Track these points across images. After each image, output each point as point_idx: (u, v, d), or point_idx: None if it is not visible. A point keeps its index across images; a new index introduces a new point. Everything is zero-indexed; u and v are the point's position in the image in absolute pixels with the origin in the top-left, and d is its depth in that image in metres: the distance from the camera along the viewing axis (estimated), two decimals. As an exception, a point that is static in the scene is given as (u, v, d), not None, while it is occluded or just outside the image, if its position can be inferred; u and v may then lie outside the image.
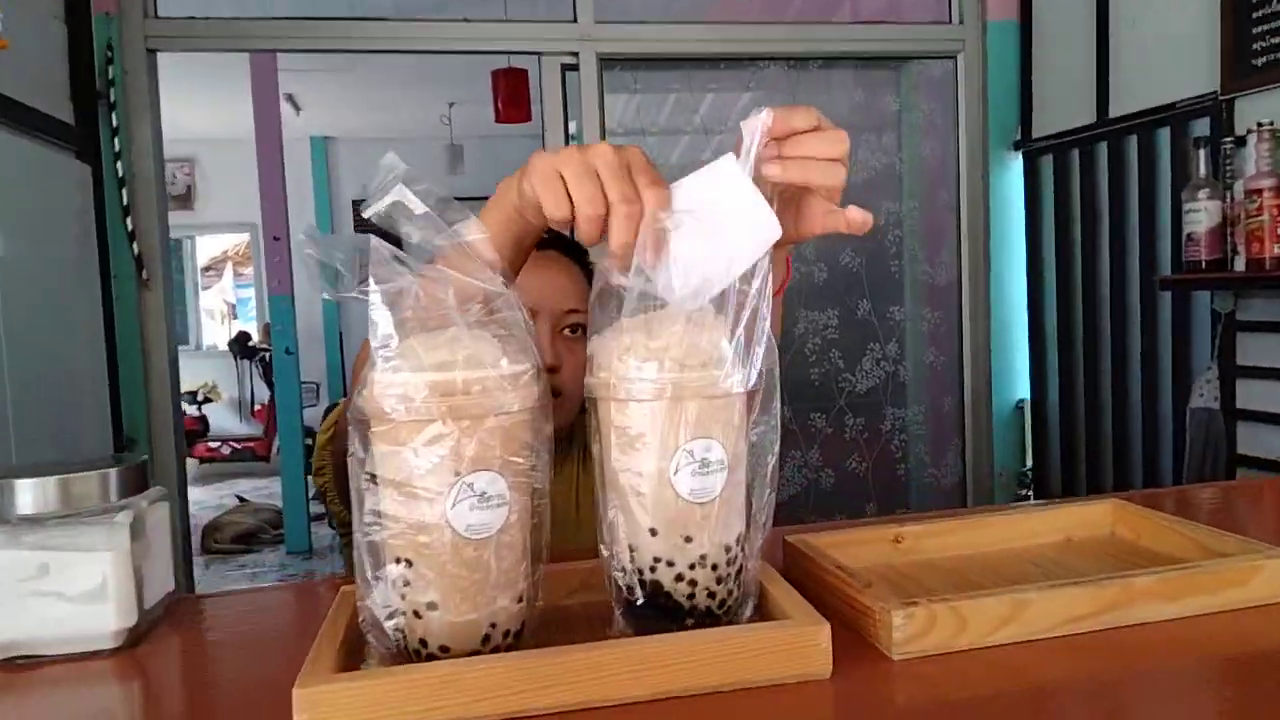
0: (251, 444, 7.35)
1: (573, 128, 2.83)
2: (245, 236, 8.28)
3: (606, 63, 2.75)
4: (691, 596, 0.55)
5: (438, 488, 0.51)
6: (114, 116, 2.48)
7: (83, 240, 2.38)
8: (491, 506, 0.52)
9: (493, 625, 0.53)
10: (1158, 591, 0.56)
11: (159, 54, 2.59)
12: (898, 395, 3.07)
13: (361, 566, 0.52)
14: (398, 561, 0.52)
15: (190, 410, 7.72)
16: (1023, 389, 3.01)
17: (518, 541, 0.54)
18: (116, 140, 2.49)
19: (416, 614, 0.52)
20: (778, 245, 0.71)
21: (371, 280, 0.50)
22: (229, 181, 7.70)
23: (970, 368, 3.02)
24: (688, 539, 0.54)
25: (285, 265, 5.52)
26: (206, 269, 8.76)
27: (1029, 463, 3.02)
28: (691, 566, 0.55)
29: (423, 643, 0.52)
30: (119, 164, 2.49)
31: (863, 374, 3.03)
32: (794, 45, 2.84)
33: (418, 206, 0.52)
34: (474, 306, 0.55)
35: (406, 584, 0.52)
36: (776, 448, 0.58)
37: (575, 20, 2.69)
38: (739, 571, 0.56)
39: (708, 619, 0.55)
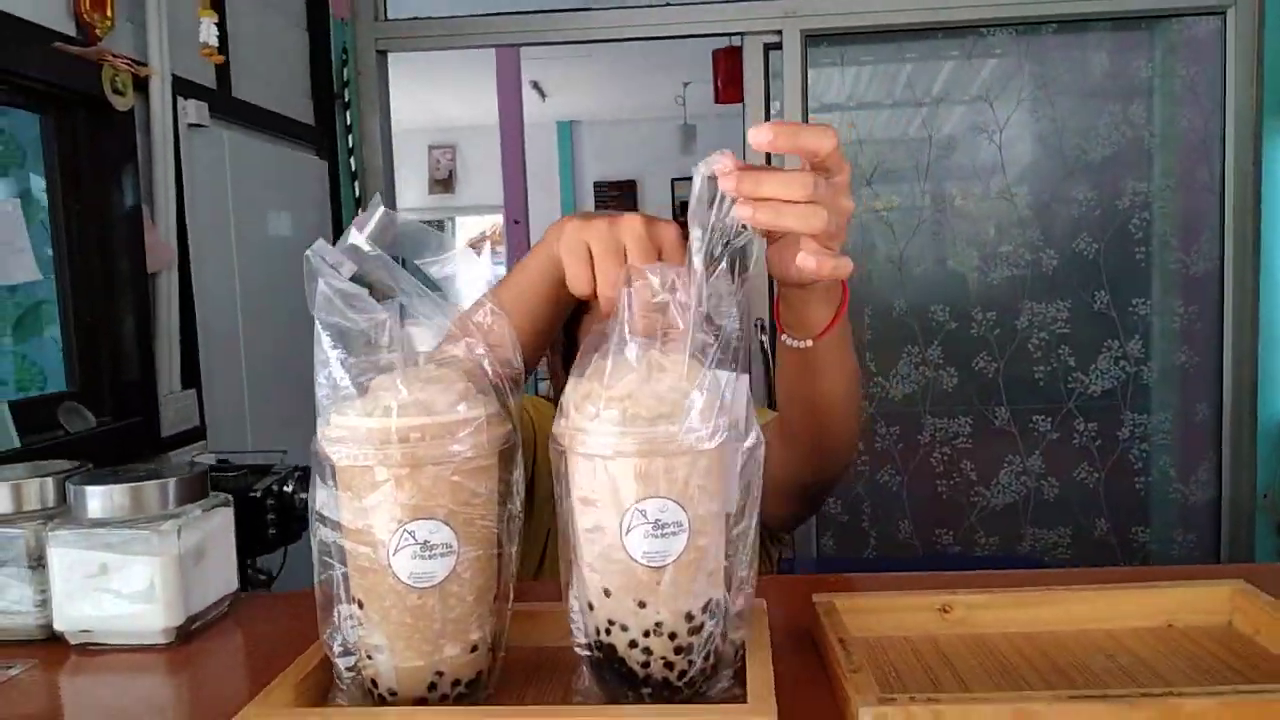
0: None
1: (775, 108, 2.75)
2: (500, 218, 8.82)
3: (811, 39, 2.64)
4: (646, 665, 0.51)
5: (380, 535, 0.50)
6: (348, 115, 2.71)
7: (321, 230, 2.63)
8: (435, 556, 0.50)
9: (439, 674, 0.52)
10: (1215, 717, 0.45)
11: (389, 55, 2.79)
12: (1139, 399, 2.73)
13: (322, 600, 0.53)
14: (352, 600, 0.52)
15: (447, 378, 8.36)
16: (1297, 398, 2.59)
17: (469, 590, 0.52)
18: (350, 137, 2.72)
19: (368, 655, 0.52)
20: (782, 282, 0.66)
21: (316, 320, 0.50)
22: (485, 166, 8.19)
23: (1231, 372, 2.63)
24: (641, 604, 0.50)
25: (524, 248, 5.82)
26: (469, 247, 9.42)
27: (1302, 485, 2.59)
28: (646, 634, 0.50)
29: (374, 683, 0.52)
30: (352, 159, 2.72)
31: (1097, 374, 2.73)
32: (1026, 8, 2.58)
33: (369, 249, 0.52)
34: (456, 344, 0.54)
35: (360, 624, 0.52)
36: (756, 509, 0.52)
37: (779, -3, 2.60)
38: (707, 640, 0.51)
39: (666, 689, 0.51)
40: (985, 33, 2.63)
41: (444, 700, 0.52)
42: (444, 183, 8.51)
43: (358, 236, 0.53)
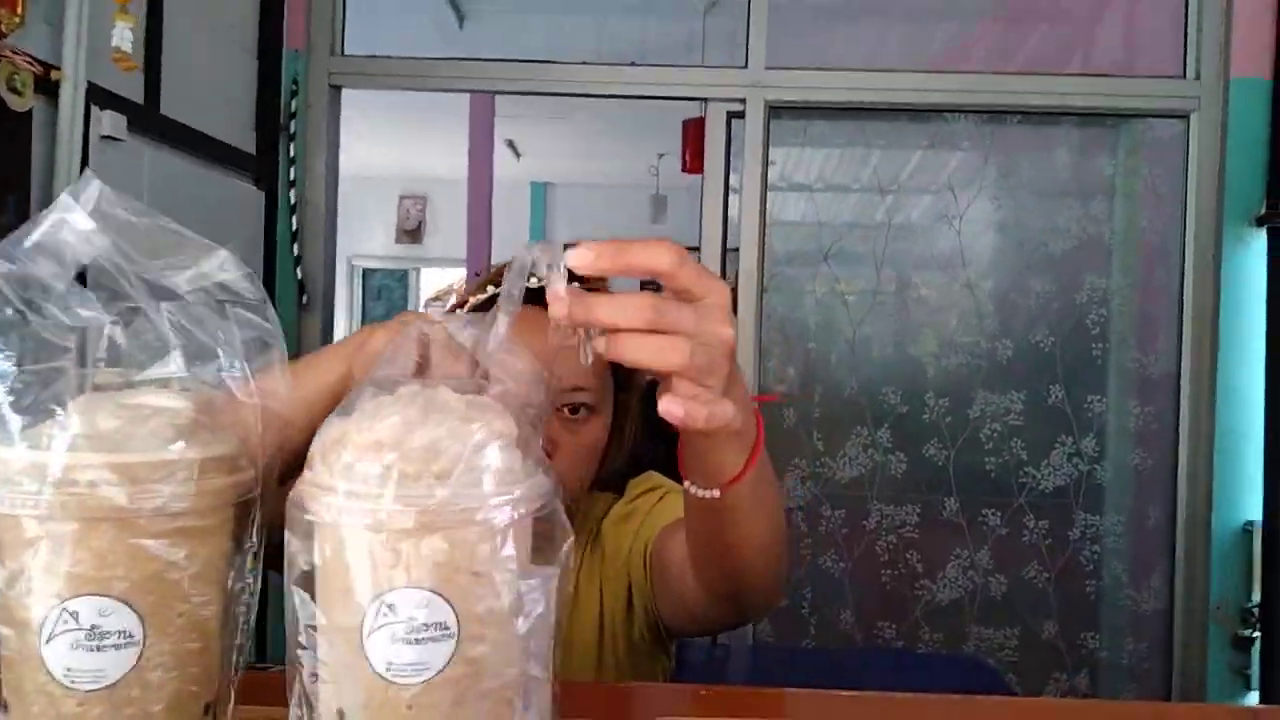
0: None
1: (734, 181, 2.68)
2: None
3: (775, 111, 2.59)
4: (386, 821, 0.37)
5: (31, 613, 0.36)
6: (292, 147, 2.60)
7: (250, 261, 2.48)
8: (108, 648, 0.37)
9: (102, 813, 0.38)
10: None
11: (343, 90, 2.70)
12: (1092, 499, 2.64)
13: (-39, 700, 0.39)
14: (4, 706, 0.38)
15: (397, 431, 8.22)
16: (1253, 509, 2.50)
17: (157, 698, 0.38)
18: (293, 170, 2.60)
19: (9, 779, 0.38)
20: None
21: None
22: (455, 220, 8.11)
23: (1186, 476, 2.54)
24: (382, 734, 0.37)
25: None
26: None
27: (1255, 598, 2.49)
28: (389, 777, 0.37)
29: (14, 821, 0.38)
30: (292, 192, 2.60)
31: (1049, 469, 2.63)
32: (989, 97, 2.55)
33: (85, 224, 0.39)
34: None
35: (4, 735, 0.38)
36: (551, 604, 0.39)
37: (746, 65, 2.55)
38: (478, 789, 0.38)
39: None
40: (950, 119, 2.59)
41: None
42: (412, 233, 8.41)
43: (72, 207, 0.40)
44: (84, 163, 1.76)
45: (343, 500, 0.36)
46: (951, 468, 2.66)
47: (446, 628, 0.36)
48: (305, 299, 2.62)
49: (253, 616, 0.41)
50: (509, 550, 0.38)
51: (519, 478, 0.38)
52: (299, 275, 2.61)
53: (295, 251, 2.61)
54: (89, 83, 1.75)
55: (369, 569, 0.36)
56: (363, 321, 8.74)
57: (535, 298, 0.89)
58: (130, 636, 0.37)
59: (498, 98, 5.36)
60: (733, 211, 2.70)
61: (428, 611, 0.36)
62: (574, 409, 0.87)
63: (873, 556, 2.69)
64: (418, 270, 8.63)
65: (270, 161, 2.55)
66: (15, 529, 0.36)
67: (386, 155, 7.37)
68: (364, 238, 8.40)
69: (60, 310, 0.38)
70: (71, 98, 1.70)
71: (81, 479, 0.36)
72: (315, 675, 0.37)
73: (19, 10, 1.59)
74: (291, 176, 2.60)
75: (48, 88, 1.68)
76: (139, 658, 0.37)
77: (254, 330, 0.43)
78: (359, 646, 0.36)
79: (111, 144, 1.85)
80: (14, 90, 1.51)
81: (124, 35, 1.57)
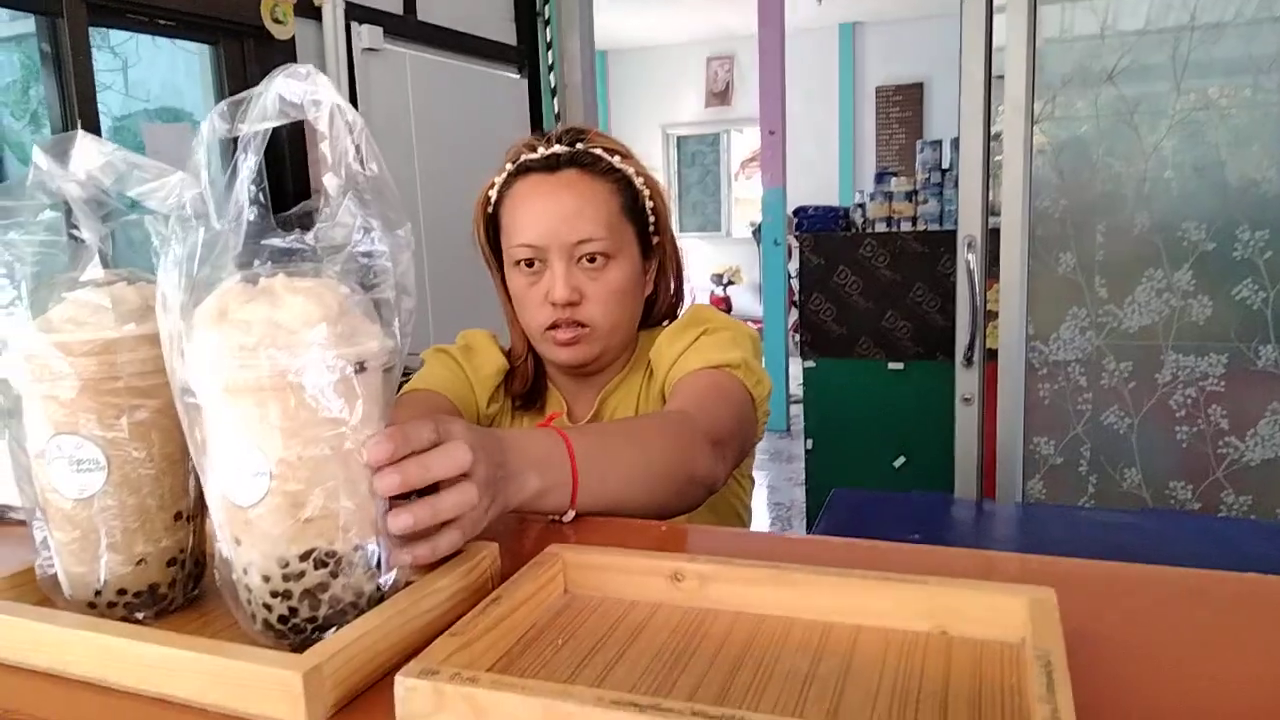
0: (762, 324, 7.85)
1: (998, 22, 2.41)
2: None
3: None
4: (249, 603, 0.50)
5: (41, 446, 0.52)
6: (548, 32, 2.76)
7: (518, 146, 2.73)
8: (85, 470, 0.52)
9: (102, 581, 0.54)
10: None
11: (590, -31, 2.79)
12: None
13: (26, 504, 0.57)
14: (39, 506, 0.55)
15: (717, 290, 8.53)
16: None
17: (130, 506, 0.53)
18: (550, 54, 2.77)
19: (50, 559, 0.55)
20: None
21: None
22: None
23: None
24: (238, 541, 0.49)
25: (779, 159, 5.67)
26: (750, 160, 9.30)
27: None
28: (245, 570, 0.49)
29: (58, 585, 0.56)
30: (551, 75, 2.78)
31: None
32: None
33: (55, 169, 0.52)
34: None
35: (44, 529, 0.55)
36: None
37: None
38: (315, 589, 0.49)
39: (270, 631, 0.49)
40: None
41: (110, 607, 0.54)
42: (720, 95, 8.42)
43: (47, 163, 0.54)
44: (350, 75, 2.03)
45: (188, 372, 0.48)
46: (1270, 311, 2.30)
47: (263, 470, 0.47)
48: (570, 175, 2.82)
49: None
50: (321, 408, 0.47)
51: (328, 347, 0.47)
52: (562, 153, 2.80)
53: (557, 131, 2.80)
54: (348, 2, 2.00)
55: (211, 424, 0.48)
56: (679, 188, 8.99)
57: (541, 165, 0.95)
58: (98, 463, 0.52)
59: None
60: (998, 35, 2.45)
61: (247, 457, 0.47)
62: (591, 258, 0.94)
63: (1166, 412, 2.43)
64: (727, 132, 8.67)
65: (531, 49, 2.74)
66: (27, 386, 0.52)
67: (693, 19, 7.37)
68: (676, 105, 8.57)
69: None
70: (333, 18, 1.96)
71: (43, 352, 0.51)
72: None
73: (280, -51, 1.85)
74: (550, 61, 2.77)
75: (313, 12, 1.95)
76: (106, 479, 0.52)
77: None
78: (217, 478, 0.48)
79: (372, 55, 2.10)
80: (277, 21, 1.78)
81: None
